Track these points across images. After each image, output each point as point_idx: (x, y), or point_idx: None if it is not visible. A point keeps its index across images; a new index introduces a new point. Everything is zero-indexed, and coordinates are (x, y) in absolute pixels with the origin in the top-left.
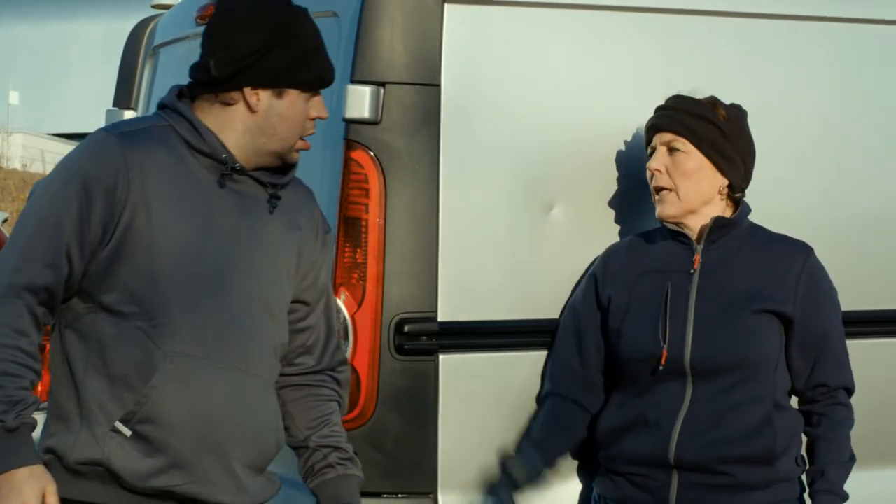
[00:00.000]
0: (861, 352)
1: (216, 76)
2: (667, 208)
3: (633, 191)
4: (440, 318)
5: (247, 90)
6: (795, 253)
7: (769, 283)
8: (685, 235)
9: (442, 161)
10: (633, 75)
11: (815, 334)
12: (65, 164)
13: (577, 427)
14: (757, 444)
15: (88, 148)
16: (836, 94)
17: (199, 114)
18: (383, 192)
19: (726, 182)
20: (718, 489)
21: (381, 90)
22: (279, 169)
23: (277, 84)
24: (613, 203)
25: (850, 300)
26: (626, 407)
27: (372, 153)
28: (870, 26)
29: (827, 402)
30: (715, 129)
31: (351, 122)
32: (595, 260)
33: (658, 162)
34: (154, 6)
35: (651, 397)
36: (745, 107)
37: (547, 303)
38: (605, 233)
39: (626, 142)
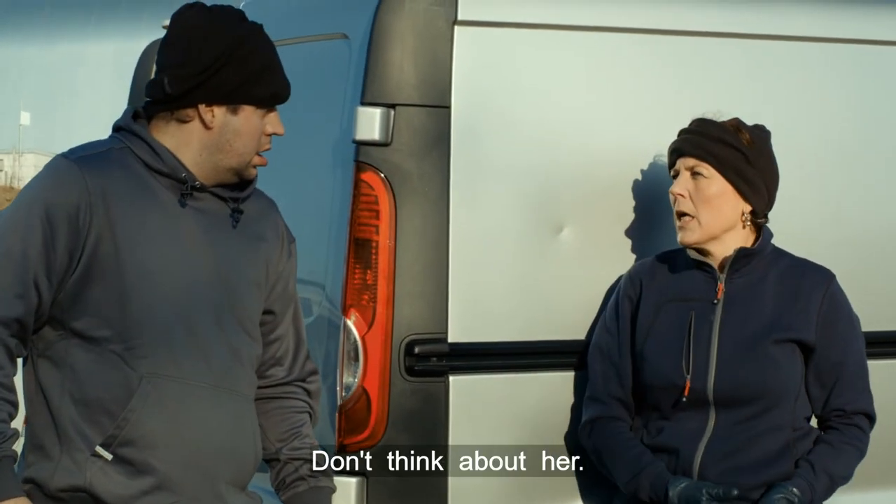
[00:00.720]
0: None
1: (170, 93)
2: (688, 235)
3: (643, 212)
4: (450, 339)
5: (201, 107)
6: (817, 280)
7: (791, 311)
8: (708, 265)
9: (452, 182)
10: (643, 97)
11: (833, 361)
12: (26, 194)
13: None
14: (778, 470)
15: (48, 175)
16: (850, 114)
17: (156, 133)
18: (393, 214)
19: (749, 208)
20: None
21: (392, 112)
22: (238, 184)
23: (232, 100)
24: (623, 224)
25: (863, 321)
26: (647, 431)
27: (382, 175)
28: (883, 48)
29: (842, 421)
30: (738, 154)
31: (361, 144)
32: (620, 280)
33: (681, 187)
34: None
35: (674, 424)
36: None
37: (557, 324)
38: (615, 253)
39: (636, 163)
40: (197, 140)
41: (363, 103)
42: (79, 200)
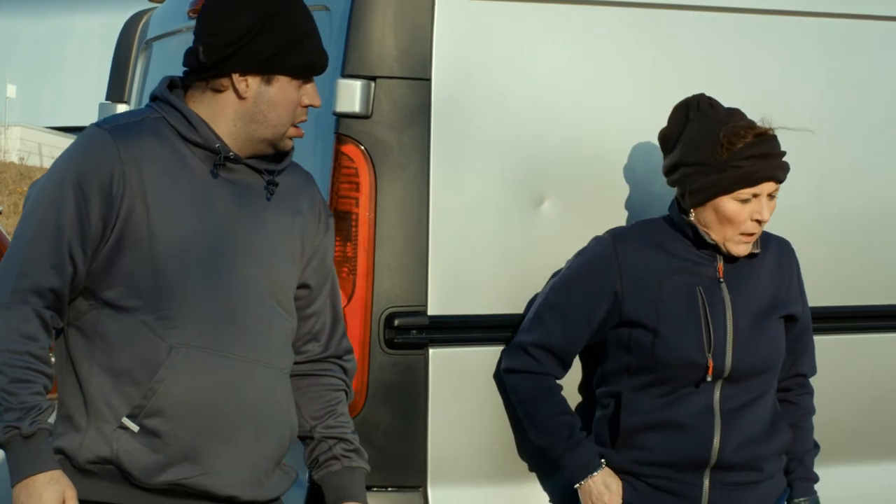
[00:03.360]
0: (854, 346)
1: (204, 62)
2: (747, 249)
3: (626, 185)
4: (430, 312)
5: (235, 76)
6: (787, 252)
7: (781, 286)
8: (712, 246)
9: (432, 155)
10: (625, 70)
11: (804, 327)
12: (60, 164)
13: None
14: (781, 439)
15: (82, 145)
16: (834, 89)
17: (191, 103)
18: (373, 186)
19: None
20: (746, 486)
21: (372, 84)
22: (274, 156)
23: (265, 70)
24: (604, 197)
25: (845, 296)
26: (651, 406)
27: (362, 147)
28: (865, 22)
29: (800, 391)
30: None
31: (341, 117)
32: (595, 243)
33: (769, 212)
34: (151, 0)
35: (679, 399)
36: (738, 102)
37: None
38: (596, 227)
39: (618, 136)
40: (231, 110)
41: (344, 75)
42: (112, 169)
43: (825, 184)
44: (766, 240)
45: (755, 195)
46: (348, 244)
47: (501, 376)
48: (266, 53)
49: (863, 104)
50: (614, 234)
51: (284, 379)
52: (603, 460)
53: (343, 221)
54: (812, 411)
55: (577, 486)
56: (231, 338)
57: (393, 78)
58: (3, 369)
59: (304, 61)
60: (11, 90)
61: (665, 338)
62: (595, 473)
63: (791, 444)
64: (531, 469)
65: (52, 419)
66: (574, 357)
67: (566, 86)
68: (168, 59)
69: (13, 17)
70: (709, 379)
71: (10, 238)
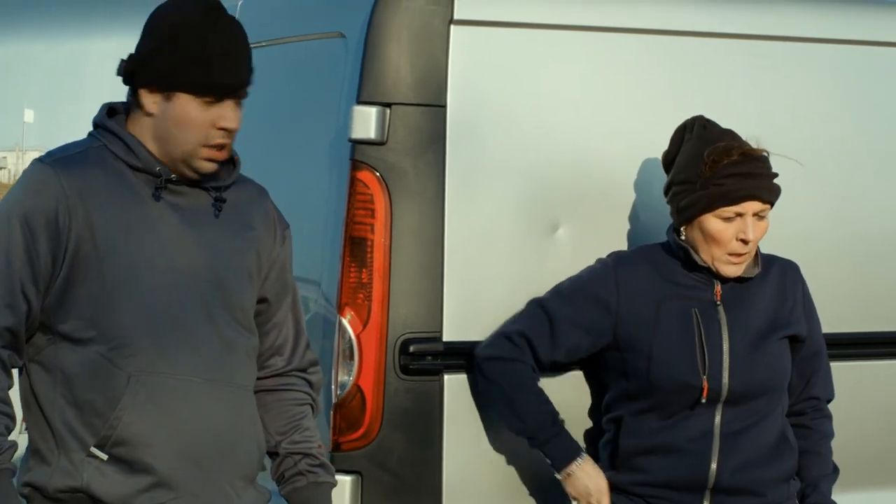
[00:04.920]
0: (871, 373)
1: (120, 76)
2: (738, 270)
3: (638, 211)
4: (445, 337)
5: (142, 92)
6: (793, 274)
7: (783, 308)
8: (707, 269)
9: (447, 181)
10: (638, 96)
11: (813, 350)
12: (6, 203)
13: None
14: (785, 463)
15: (25, 183)
16: (848, 115)
17: (129, 125)
18: (389, 213)
19: None
20: None
21: (388, 111)
22: (219, 173)
23: (164, 86)
24: (618, 223)
25: (861, 320)
26: (649, 430)
27: (378, 174)
28: (884, 49)
29: (815, 415)
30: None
31: (357, 143)
32: (600, 263)
33: (755, 233)
34: None
35: (678, 421)
36: (753, 126)
37: None
38: (610, 250)
39: (631, 162)
40: (148, 128)
41: (359, 102)
42: (56, 204)
43: (841, 208)
44: (770, 262)
45: (739, 214)
46: (364, 270)
47: (480, 366)
48: (165, 69)
49: (880, 128)
50: (616, 256)
51: (248, 396)
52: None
53: (358, 248)
54: (829, 435)
55: (562, 472)
56: (191, 361)
57: (408, 104)
58: None
59: (207, 80)
60: (29, 115)
61: (659, 361)
62: (579, 459)
63: (806, 470)
64: (547, 495)
65: (17, 457)
66: (549, 364)
67: (580, 111)
68: None
69: (30, 42)
70: (703, 401)
71: None
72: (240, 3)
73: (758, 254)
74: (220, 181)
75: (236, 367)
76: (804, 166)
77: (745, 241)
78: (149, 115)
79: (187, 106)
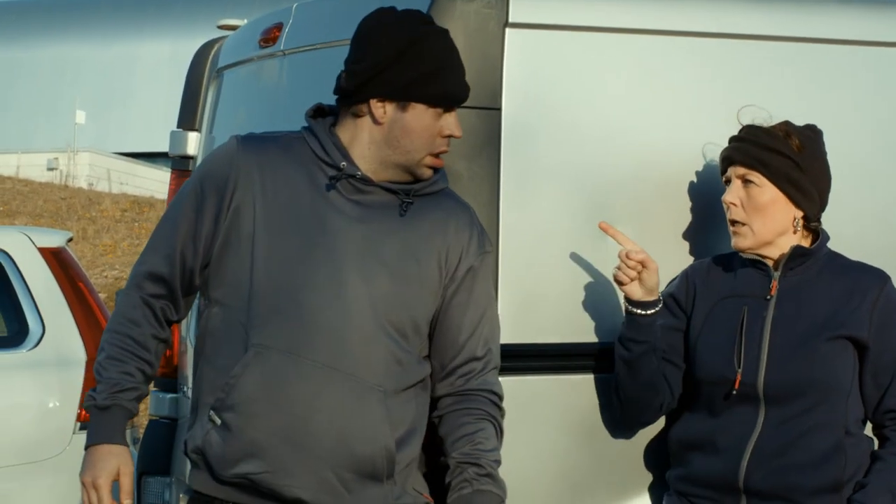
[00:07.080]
0: None
1: (345, 88)
2: (741, 241)
3: (695, 213)
4: (501, 340)
5: (373, 102)
6: (872, 280)
7: (845, 308)
8: (763, 263)
9: (502, 184)
10: (693, 99)
11: (888, 361)
12: (196, 168)
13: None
14: (827, 473)
15: (214, 152)
16: (893, 117)
17: (338, 127)
18: None
19: (801, 213)
20: None
21: None
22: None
23: (401, 97)
24: (675, 225)
25: None
26: (697, 424)
27: None
28: None
29: (894, 426)
30: (789, 161)
31: None
32: (676, 278)
33: (733, 195)
34: (220, 26)
35: (723, 419)
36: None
37: (609, 326)
38: (667, 255)
39: (687, 164)
40: (367, 134)
41: None
42: (229, 171)
43: (889, 212)
44: (851, 266)
45: (728, 180)
46: None
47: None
48: (403, 81)
49: None
50: (688, 270)
51: (377, 395)
52: None
53: None
54: None
55: None
56: (316, 345)
57: (463, 107)
58: (104, 346)
59: (441, 91)
60: (81, 116)
61: (700, 354)
62: None
63: (868, 473)
64: (605, 497)
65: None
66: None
67: (634, 113)
68: (239, 88)
69: (82, 43)
70: (734, 392)
71: (80, 263)
72: (295, 6)
73: (823, 253)
74: (407, 186)
75: (371, 366)
76: (854, 170)
77: (732, 205)
78: (378, 123)
79: (422, 116)
